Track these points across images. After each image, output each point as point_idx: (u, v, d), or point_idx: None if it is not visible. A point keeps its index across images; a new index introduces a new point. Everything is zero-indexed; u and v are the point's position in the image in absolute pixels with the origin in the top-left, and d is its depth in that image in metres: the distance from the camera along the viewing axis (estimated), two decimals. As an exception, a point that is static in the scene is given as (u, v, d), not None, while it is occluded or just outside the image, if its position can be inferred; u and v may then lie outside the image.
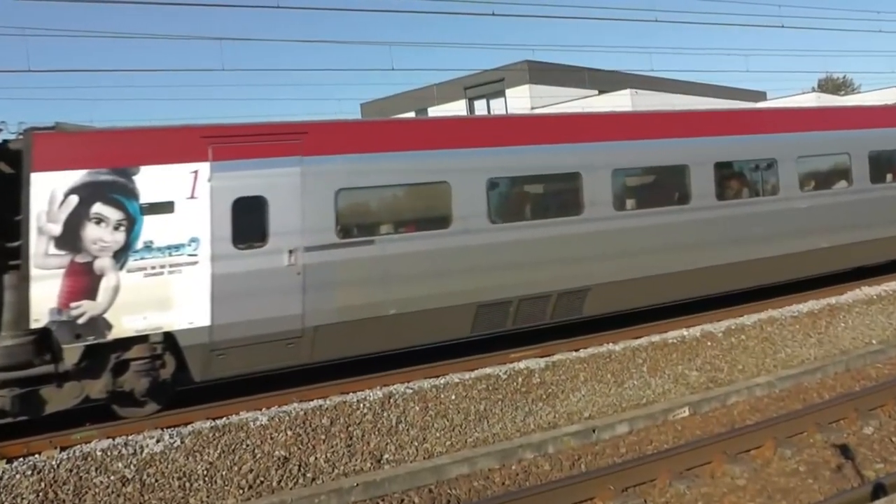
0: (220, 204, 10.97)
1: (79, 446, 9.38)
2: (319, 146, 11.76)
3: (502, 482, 9.11)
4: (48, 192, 10.15)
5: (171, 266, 10.66)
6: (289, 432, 9.67)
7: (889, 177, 17.99)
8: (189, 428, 9.79)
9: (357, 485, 8.85)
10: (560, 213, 13.74)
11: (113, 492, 8.58)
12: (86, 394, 10.55)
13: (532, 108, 42.28)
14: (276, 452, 9.34)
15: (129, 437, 9.55)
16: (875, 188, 17.39)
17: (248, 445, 9.40)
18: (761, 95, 58.74)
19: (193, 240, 10.79)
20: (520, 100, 43.85)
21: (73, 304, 10.19)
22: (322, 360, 12.11)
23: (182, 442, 9.36)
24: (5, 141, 10.58)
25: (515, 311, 13.25)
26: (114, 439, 9.54)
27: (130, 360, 10.68)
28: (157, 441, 9.38)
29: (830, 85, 78.05)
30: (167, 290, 10.65)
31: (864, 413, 10.50)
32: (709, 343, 13.10)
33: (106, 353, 10.55)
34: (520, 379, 11.34)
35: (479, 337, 13.40)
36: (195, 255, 10.79)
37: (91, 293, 10.32)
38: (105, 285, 10.39)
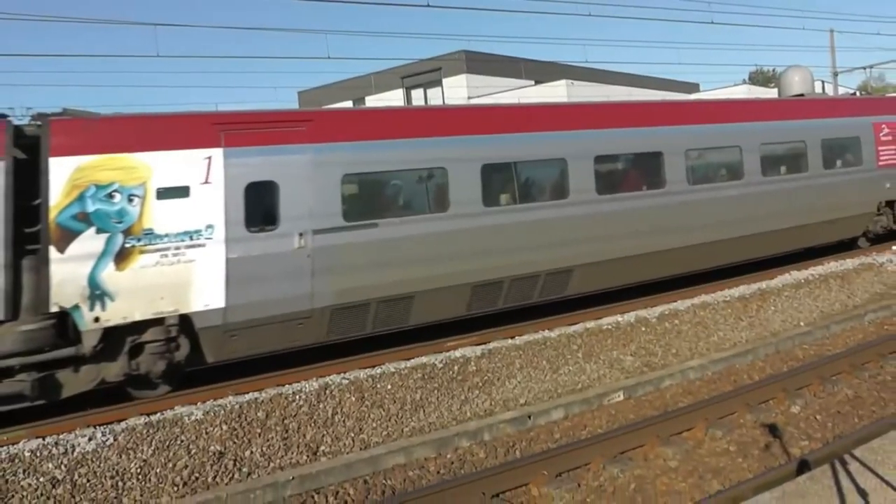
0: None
1: (5, 447, 9.20)
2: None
3: (437, 471, 9.11)
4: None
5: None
6: (224, 426, 9.66)
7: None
8: (122, 425, 9.71)
9: (293, 478, 8.74)
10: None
11: (42, 494, 8.37)
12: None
13: (469, 98, 42.31)
14: (212, 447, 9.27)
15: (60, 437, 9.42)
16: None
17: (182, 441, 9.32)
18: (695, 87, 59.78)
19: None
20: (457, 89, 43.85)
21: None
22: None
23: (115, 440, 9.27)
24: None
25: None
26: (43, 439, 9.40)
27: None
28: (90, 439, 9.28)
29: (761, 77, 79.62)
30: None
31: (792, 393, 10.84)
32: (643, 328, 13.36)
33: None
34: (456, 367, 11.47)
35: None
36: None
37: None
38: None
